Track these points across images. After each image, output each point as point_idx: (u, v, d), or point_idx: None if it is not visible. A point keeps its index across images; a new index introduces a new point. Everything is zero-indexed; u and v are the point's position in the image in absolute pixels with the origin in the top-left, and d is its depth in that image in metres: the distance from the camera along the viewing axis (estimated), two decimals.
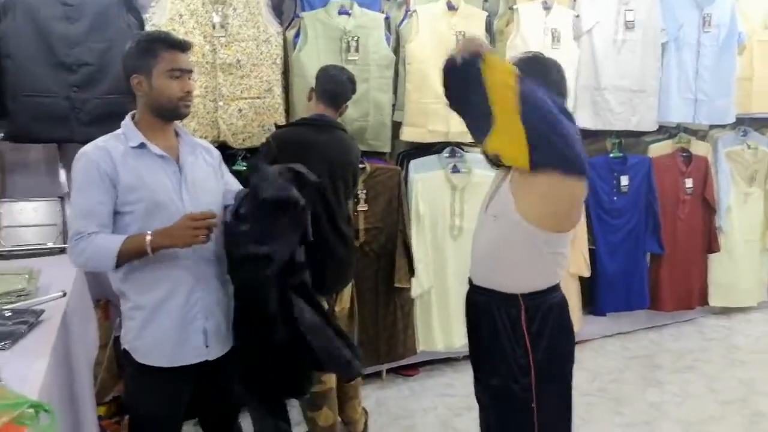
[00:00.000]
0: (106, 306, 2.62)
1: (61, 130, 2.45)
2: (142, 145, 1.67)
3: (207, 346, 1.74)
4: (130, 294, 1.69)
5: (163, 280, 1.68)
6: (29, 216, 2.58)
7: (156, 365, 1.70)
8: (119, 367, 2.54)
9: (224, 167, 1.94)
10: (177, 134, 1.79)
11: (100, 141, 1.67)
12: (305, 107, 2.63)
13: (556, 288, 1.73)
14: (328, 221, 2.34)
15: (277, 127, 2.55)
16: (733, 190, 3.99)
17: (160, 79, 1.66)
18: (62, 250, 2.48)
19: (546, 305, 1.69)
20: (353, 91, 2.50)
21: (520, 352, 1.67)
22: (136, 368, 1.72)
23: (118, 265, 1.60)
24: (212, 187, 1.81)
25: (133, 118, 1.73)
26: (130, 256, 1.60)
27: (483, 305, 1.75)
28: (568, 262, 1.72)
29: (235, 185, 1.93)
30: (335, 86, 2.43)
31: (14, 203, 2.59)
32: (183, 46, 1.70)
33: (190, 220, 1.60)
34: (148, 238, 1.58)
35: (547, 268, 1.69)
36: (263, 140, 2.78)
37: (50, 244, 2.51)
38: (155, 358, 1.70)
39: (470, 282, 1.83)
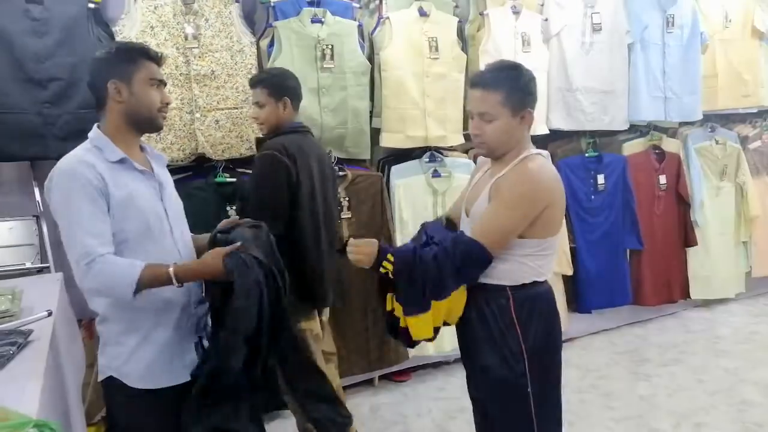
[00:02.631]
0: (90, 325, 2.52)
1: (35, 147, 2.39)
2: (122, 160, 1.56)
3: None
4: (119, 317, 1.58)
5: (155, 300, 1.57)
6: (4, 236, 2.49)
7: (155, 387, 1.58)
8: None
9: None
10: (141, 148, 1.70)
11: (80, 156, 1.52)
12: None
13: (544, 282, 1.76)
14: (325, 230, 2.29)
15: (260, 140, 2.36)
16: (705, 184, 4.06)
17: (141, 86, 1.58)
18: (41, 270, 2.40)
19: (533, 293, 1.71)
20: None
21: (512, 340, 1.68)
22: (128, 395, 1.59)
23: (135, 294, 1.47)
24: (179, 199, 1.76)
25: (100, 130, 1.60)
26: (151, 285, 1.50)
27: (471, 298, 1.75)
28: (556, 258, 1.73)
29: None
30: (299, 87, 2.37)
31: None
32: (160, 60, 1.66)
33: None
34: (171, 270, 1.49)
35: (536, 266, 1.70)
36: (242, 151, 2.75)
37: (28, 264, 2.42)
38: (154, 379, 1.58)
39: None
